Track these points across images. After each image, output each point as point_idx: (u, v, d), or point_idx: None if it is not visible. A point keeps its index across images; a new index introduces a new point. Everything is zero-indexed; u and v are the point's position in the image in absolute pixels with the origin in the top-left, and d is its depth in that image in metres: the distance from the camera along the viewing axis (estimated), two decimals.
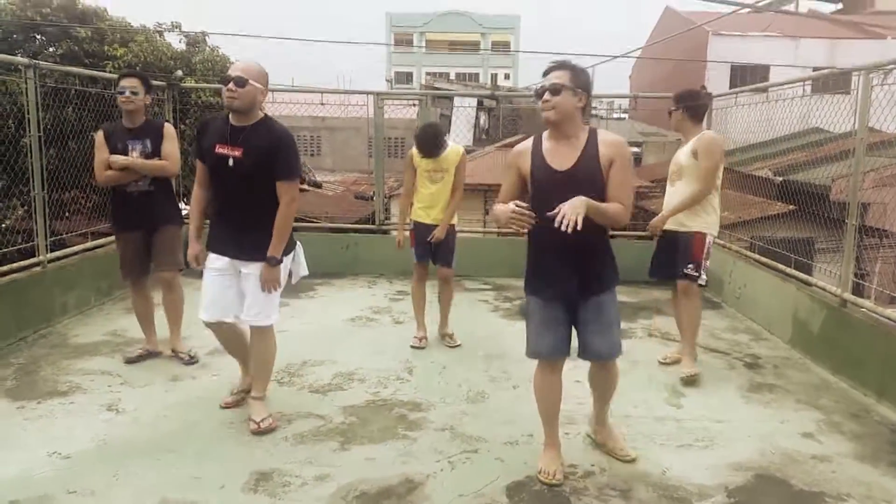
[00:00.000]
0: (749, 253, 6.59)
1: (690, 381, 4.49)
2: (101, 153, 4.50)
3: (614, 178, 3.06)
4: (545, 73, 3.12)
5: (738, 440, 3.71)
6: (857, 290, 5.06)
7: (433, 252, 5.25)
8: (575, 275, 3.13)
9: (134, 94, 4.44)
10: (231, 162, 3.51)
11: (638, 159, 18.21)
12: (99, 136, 4.56)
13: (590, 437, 3.66)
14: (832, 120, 5.81)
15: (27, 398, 4.05)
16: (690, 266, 4.56)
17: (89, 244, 6.35)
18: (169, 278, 4.69)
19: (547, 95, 3.04)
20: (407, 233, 5.40)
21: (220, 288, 3.66)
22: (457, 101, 18.83)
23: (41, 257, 5.42)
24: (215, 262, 3.67)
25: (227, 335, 3.88)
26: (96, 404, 3.99)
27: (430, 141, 4.96)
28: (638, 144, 19.13)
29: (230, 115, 3.57)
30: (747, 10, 16.94)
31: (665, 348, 5.26)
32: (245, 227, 3.60)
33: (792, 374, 4.77)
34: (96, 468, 3.25)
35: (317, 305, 6.37)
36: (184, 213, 5.20)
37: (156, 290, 4.85)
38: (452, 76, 43.41)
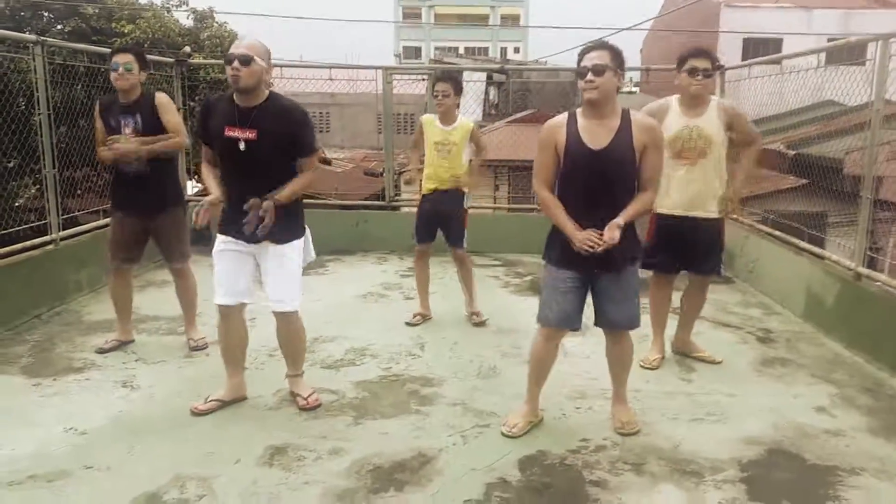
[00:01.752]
0: (762, 227, 6.54)
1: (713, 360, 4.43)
2: (98, 126, 4.33)
3: (647, 163, 3.19)
4: (584, 53, 3.15)
5: (751, 414, 3.70)
6: (871, 264, 5.02)
7: (446, 230, 5.16)
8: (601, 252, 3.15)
9: (128, 70, 4.17)
10: (243, 145, 3.37)
11: None
12: (96, 108, 4.38)
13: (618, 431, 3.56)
14: (846, 92, 5.72)
15: (43, 375, 4.09)
16: (724, 260, 4.33)
17: (101, 222, 6.36)
18: (179, 269, 4.57)
19: (590, 76, 3.08)
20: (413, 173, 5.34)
21: (236, 273, 3.55)
22: (466, 75, 18.67)
23: (54, 235, 5.44)
24: (231, 245, 3.53)
25: (237, 324, 3.69)
26: (111, 381, 4.03)
27: (451, 75, 5.09)
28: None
29: (235, 96, 3.42)
30: None
31: (674, 322, 5.24)
32: None
33: (805, 349, 4.75)
34: (112, 444, 3.29)
35: (328, 282, 6.38)
36: (191, 192, 5.14)
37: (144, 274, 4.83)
38: (461, 50, 43.11)
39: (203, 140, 3.59)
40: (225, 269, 3.56)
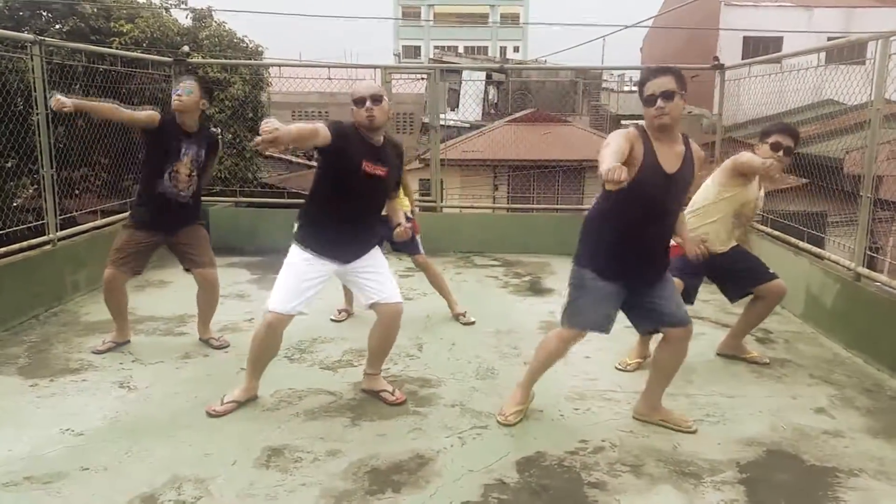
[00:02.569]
0: (761, 227, 6.53)
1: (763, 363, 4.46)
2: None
3: (695, 184, 3.49)
4: (648, 80, 3.17)
5: (750, 415, 3.70)
6: (871, 264, 5.01)
7: (399, 245, 4.87)
8: (648, 265, 3.36)
9: (189, 93, 4.22)
10: (377, 180, 3.55)
11: None
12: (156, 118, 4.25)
13: (638, 419, 3.63)
14: (846, 91, 5.71)
15: (40, 376, 4.08)
16: (758, 264, 4.42)
17: (99, 222, 6.36)
18: (213, 278, 4.57)
19: (661, 102, 3.12)
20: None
21: (313, 289, 3.62)
22: (465, 74, 18.68)
23: (51, 235, 5.43)
24: (317, 263, 3.60)
25: (280, 335, 3.65)
26: (108, 381, 4.02)
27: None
28: None
29: (366, 132, 3.51)
30: None
31: None
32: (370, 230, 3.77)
33: (804, 349, 4.74)
34: (108, 445, 3.27)
35: (326, 284, 6.35)
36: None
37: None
38: (461, 49, 43.06)
39: (337, 166, 3.53)
40: (300, 280, 3.57)
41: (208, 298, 4.64)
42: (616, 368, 4.32)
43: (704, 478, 3.07)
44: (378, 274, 3.71)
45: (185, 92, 4.20)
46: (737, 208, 4.22)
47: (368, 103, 3.43)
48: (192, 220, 4.52)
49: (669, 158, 3.20)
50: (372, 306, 3.74)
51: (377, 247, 3.79)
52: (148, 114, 4.21)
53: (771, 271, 4.38)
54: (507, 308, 5.64)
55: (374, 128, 3.49)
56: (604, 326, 3.40)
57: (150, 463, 3.12)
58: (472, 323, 5.19)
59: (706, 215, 4.22)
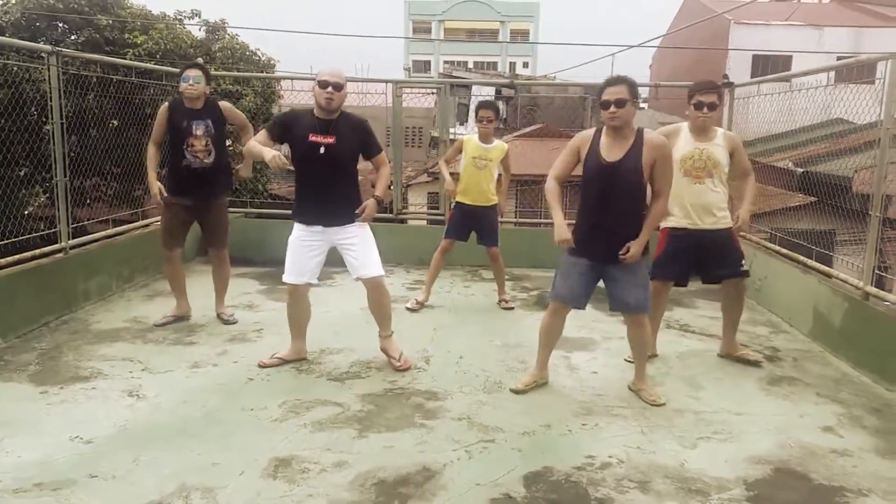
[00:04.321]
0: (769, 244, 6.53)
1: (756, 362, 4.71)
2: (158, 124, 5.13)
3: (658, 174, 3.79)
4: (606, 87, 3.75)
5: (758, 433, 3.69)
6: (879, 283, 5.00)
7: (480, 232, 5.92)
8: (601, 243, 3.84)
9: (196, 82, 4.99)
10: (323, 149, 4.13)
11: None
12: (163, 109, 5.11)
13: (629, 388, 4.21)
14: (856, 110, 5.72)
15: (50, 383, 4.11)
16: (743, 260, 4.57)
17: (110, 231, 6.41)
18: (223, 257, 5.31)
19: (613, 108, 3.71)
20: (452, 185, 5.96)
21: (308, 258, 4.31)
22: (475, 89, 18.73)
23: (63, 244, 5.47)
24: (305, 233, 4.31)
25: (303, 299, 4.44)
26: (118, 390, 4.04)
27: (493, 105, 5.83)
28: None
29: (319, 110, 4.18)
30: None
31: (684, 340, 5.24)
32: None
33: (812, 368, 4.73)
34: (117, 453, 3.29)
35: (334, 294, 6.39)
36: None
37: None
38: (471, 65, 43.26)
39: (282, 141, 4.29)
40: (301, 253, 4.28)
41: (219, 274, 5.36)
42: (625, 360, 4.57)
43: (712, 495, 3.07)
44: (359, 251, 4.28)
45: (193, 80, 4.98)
46: (679, 169, 4.43)
47: (330, 88, 4.07)
48: (219, 188, 5.21)
49: (613, 150, 3.77)
50: (358, 279, 4.37)
51: (363, 225, 4.31)
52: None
53: (743, 268, 4.59)
54: (514, 322, 5.64)
55: (331, 109, 4.13)
56: (575, 299, 4.00)
57: (159, 472, 3.13)
58: (512, 308, 5.95)
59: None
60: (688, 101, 4.47)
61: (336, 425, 3.65)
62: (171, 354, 4.66)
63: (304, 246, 4.28)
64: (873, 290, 4.75)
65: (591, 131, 3.91)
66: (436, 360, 4.68)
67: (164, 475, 3.10)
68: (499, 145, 5.84)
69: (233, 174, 5.44)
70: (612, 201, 3.80)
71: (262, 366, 4.37)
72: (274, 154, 3.96)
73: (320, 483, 3.08)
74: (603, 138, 3.82)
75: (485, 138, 5.79)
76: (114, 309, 5.63)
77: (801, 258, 5.85)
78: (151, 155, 5.07)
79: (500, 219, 6.03)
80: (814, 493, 3.14)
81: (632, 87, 3.73)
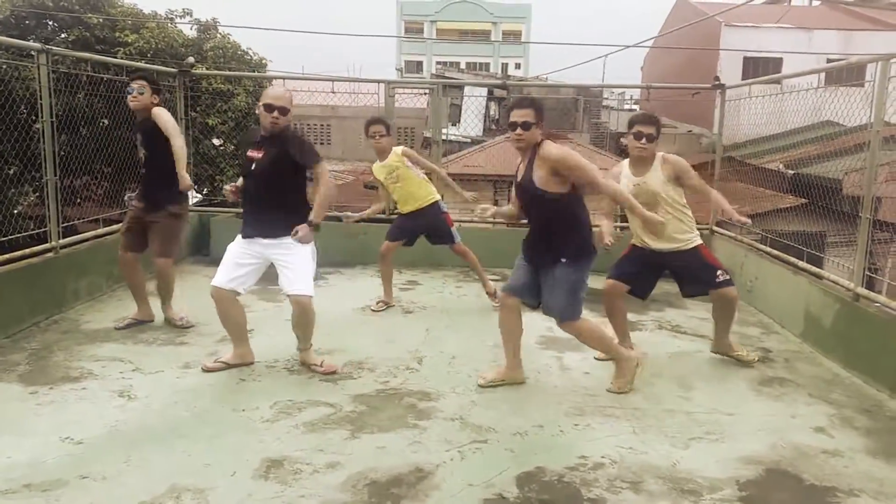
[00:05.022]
0: (760, 246, 6.56)
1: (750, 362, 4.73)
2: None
3: (574, 178, 3.88)
4: (513, 108, 3.92)
5: (749, 434, 3.70)
6: (870, 285, 5.03)
7: (431, 235, 6.00)
8: (532, 249, 4.15)
9: (140, 93, 4.91)
10: (257, 161, 4.22)
11: None
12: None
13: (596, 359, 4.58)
14: (845, 112, 5.75)
15: (40, 383, 4.08)
16: (720, 272, 4.51)
17: (101, 231, 6.37)
18: (160, 265, 5.12)
19: (520, 130, 3.89)
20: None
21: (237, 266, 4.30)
22: (467, 90, 18.77)
23: (53, 243, 5.44)
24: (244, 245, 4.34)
25: (230, 303, 4.32)
26: (108, 390, 4.01)
27: (381, 121, 5.84)
28: None
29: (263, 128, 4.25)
30: (761, 0, 16.80)
31: (676, 340, 5.26)
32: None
33: (803, 368, 4.75)
34: (108, 454, 3.27)
35: (327, 295, 6.37)
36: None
37: None
38: (463, 65, 43.25)
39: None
40: (233, 259, 4.29)
41: (159, 284, 5.22)
42: (595, 358, 4.66)
43: (704, 495, 3.07)
44: (290, 269, 4.23)
45: (136, 91, 4.91)
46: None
47: (276, 113, 4.15)
48: (160, 197, 5.00)
49: (521, 169, 4.03)
50: (287, 295, 4.31)
51: (298, 243, 4.20)
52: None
53: (719, 280, 4.52)
54: None
55: (275, 132, 4.19)
56: (514, 290, 4.21)
57: (149, 472, 3.12)
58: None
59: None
60: (628, 129, 4.49)
61: (328, 426, 3.64)
62: (162, 355, 4.63)
63: (238, 252, 4.28)
64: (864, 291, 4.77)
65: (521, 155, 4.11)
66: (428, 360, 4.67)
67: (155, 476, 3.08)
68: (392, 154, 5.82)
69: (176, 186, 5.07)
70: (533, 213, 4.11)
71: (206, 370, 4.32)
72: (226, 187, 4.41)
73: (312, 484, 3.07)
74: (519, 160, 4.10)
75: (381, 155, 5.85)
76: (104, 309, 5.60)
77: (793, 260, 5.88)
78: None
79: (447, 215, 5.97)
80: (805, 493, 3.15)
81: (539, 111, 3.89)
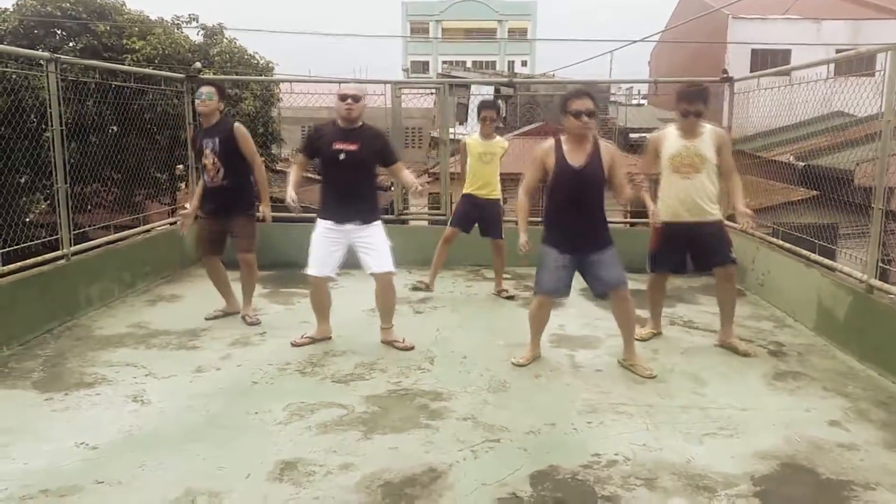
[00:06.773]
0: (772, 239, 6.51)
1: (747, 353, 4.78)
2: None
3: (618, 173, 4.28)
4: (576, 98, 4.15)
5: (764, 428, 3.67)
6: (883, 276, 4.98)
7: (485, 225, 6.25)
8: (578, 238, 4.28)
9: (209, 98, 5.18)
10: (350, 153, 4.62)
11: None
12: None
13: (620, 363, 4.54)
14: (856, 103, 5.71)
15: (54, 390, 4.11)
16: (732, 248, 4.80)
17: (112, 237, 6.41)
18: (247, 260, 5.41)
19: (585, 118, 4.13)
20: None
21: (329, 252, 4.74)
22: (473, 89, 18.69)
23: (65, 250, 5.47)
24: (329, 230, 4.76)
25: (324, 289, 4.90)
26: (122, 395, 4.04)
27: (494, 105, 6.33)
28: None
29: (342, 121, 4.67)
30: None
31: (688, 336, 5.23)
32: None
33: (817, 362, 4.72)
34: (123, 459, 3.29)
35: (338, 296, 6.34)
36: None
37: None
38: (469, 64, 43.23)
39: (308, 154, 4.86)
40: (321, 247, 4.71)
41: (244, 278, 5.47)
42: (619, 363, 4.60)
43: (719, 491, 3.06)
44: (373, 249, 4.70)
45: (206, 97, 5.16)
46: (669, 166, 4.76)
47: (349, 101, 4.58)
48: (237, 205, 5.31)
49: (578, 157, 4.20)
50: (372, 274, 4.74)
51: (377, 224, 4.74)
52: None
53: (732, 255, 4.81)
54: (517, 321, 5.60)
55: (351, 119, 4.61)
56: (558, 292, 4.41)
57: (165, 476, 3.13)
58: (513, 298, 6.24)
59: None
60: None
61: (341, 427, 3.65)
62: (175, 359, 4.65)
63: (326, 240, 4.69)
64: (877, 283, 4.73)
65: (548, 144, 4.32)
66: (440, 360, 4.67)
67: (170, 480, 3.09)
68: (500, 141, 6.28)
69: (254, 192, 5.49)
70: (582, 201, 4.29)
71: (295, 344, 4.83)
72: (292, 197, 4.71)
73: (326, 485, 3.07)
74: (565, 147, 4.26)
75: (486, 135, 6.19)
76: (117, 314, 5.63)
77: (805, 252, 5.84)
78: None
79: (503, 212, 6.37)
80: (821, 487, 3.13)
81: (595, 99, 4.21)
